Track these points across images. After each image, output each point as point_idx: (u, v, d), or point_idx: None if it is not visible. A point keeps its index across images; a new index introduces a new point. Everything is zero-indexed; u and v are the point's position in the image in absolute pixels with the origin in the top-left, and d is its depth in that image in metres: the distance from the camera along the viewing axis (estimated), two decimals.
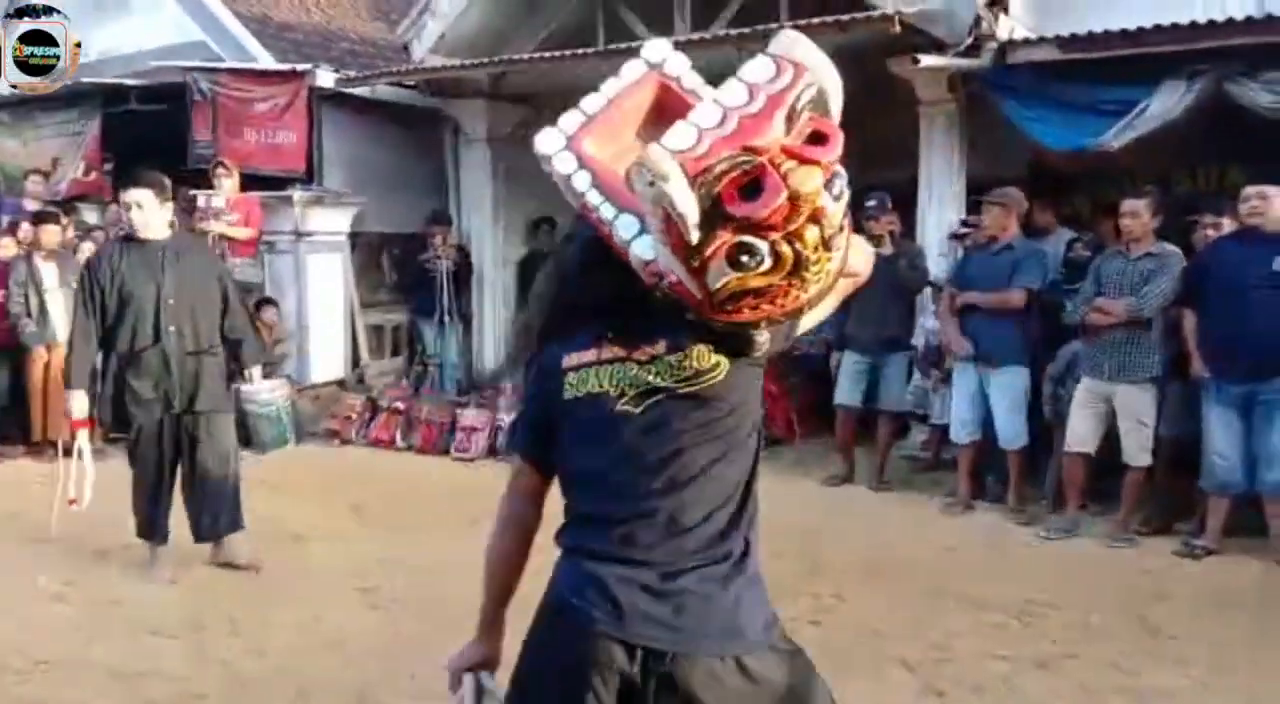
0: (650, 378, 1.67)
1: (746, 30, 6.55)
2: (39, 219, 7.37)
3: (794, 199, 1.38)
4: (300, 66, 8.44)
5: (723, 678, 1.61)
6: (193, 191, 8.05)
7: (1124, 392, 5.17)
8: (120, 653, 3.81)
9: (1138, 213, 5.18)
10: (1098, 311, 5.21)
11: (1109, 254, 5.40)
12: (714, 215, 1.41)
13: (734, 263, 1.42)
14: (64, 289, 7.09)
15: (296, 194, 8.17)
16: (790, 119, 1.46)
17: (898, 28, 5.92)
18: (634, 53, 1.83)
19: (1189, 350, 5.09)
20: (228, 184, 7.86)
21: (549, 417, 1.76)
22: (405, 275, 8.86)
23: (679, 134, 1.44)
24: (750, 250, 1.41)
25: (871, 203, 6.09)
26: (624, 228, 1.63)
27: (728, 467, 1.69)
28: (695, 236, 1.42)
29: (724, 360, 1.65)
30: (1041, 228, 6.41)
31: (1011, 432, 5.62)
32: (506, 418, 7.16)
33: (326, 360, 8.46)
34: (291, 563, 4.90)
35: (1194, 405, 5.12)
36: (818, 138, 1.45)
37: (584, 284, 1.76)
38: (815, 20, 6.15)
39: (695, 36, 7.14)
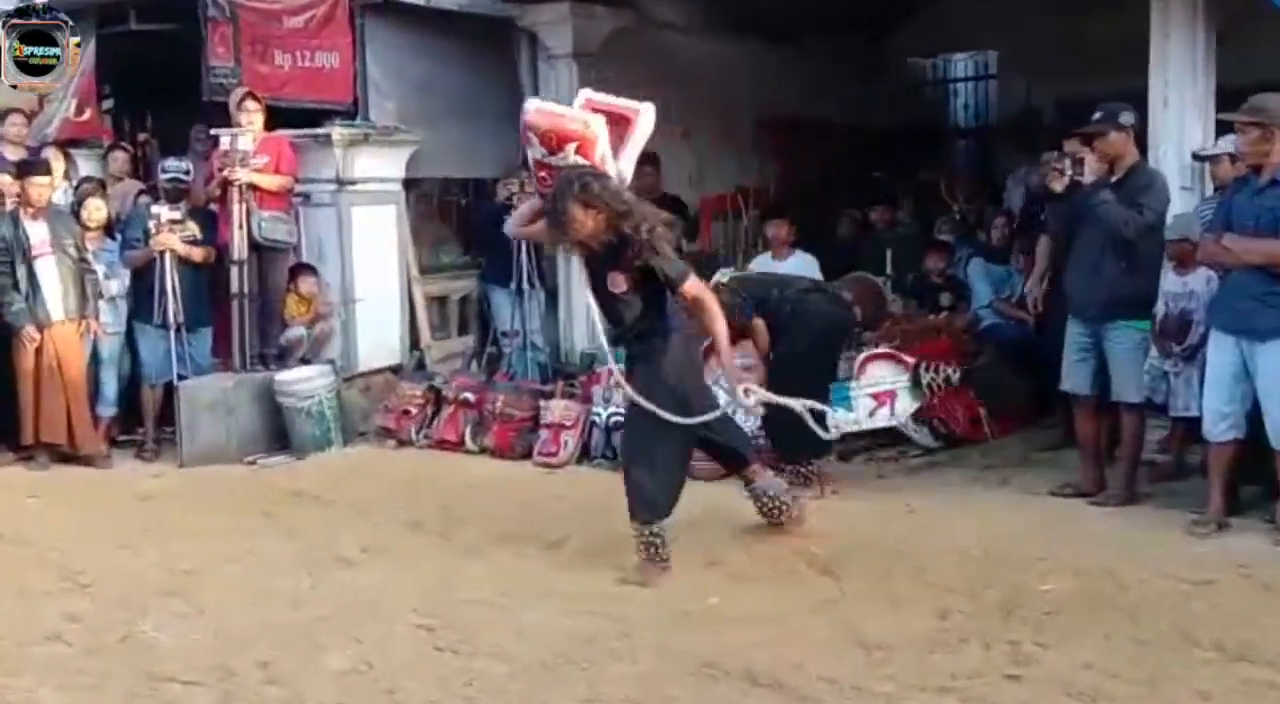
0: None
1: None
2: (23, 170, 7.68)
3: None
4: None
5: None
6: (213, 131, 8.30)
7: None
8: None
9: None
10: None
11: None
12: None
13: None
14: (57, 254, 7.41)
15: (337, 131, 8.33)
16: None
17: None
18: None
19: None
20: (257, 121, 8.03)
21: None
22: (474, 233, 8.95)
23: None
24: None
25: (1096, 115, 6.01)
26: None
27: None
28: None
29: None
30: None
31: None
32: (604, 412, 7.19)
33: (379, 342, 8.65)
34: (339, 594, 5.03)
35: None
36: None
37: None
38: None
39: None
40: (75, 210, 7.86)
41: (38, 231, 7.43)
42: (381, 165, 8.63)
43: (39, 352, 7.36)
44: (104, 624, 4.72)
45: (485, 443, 7.56)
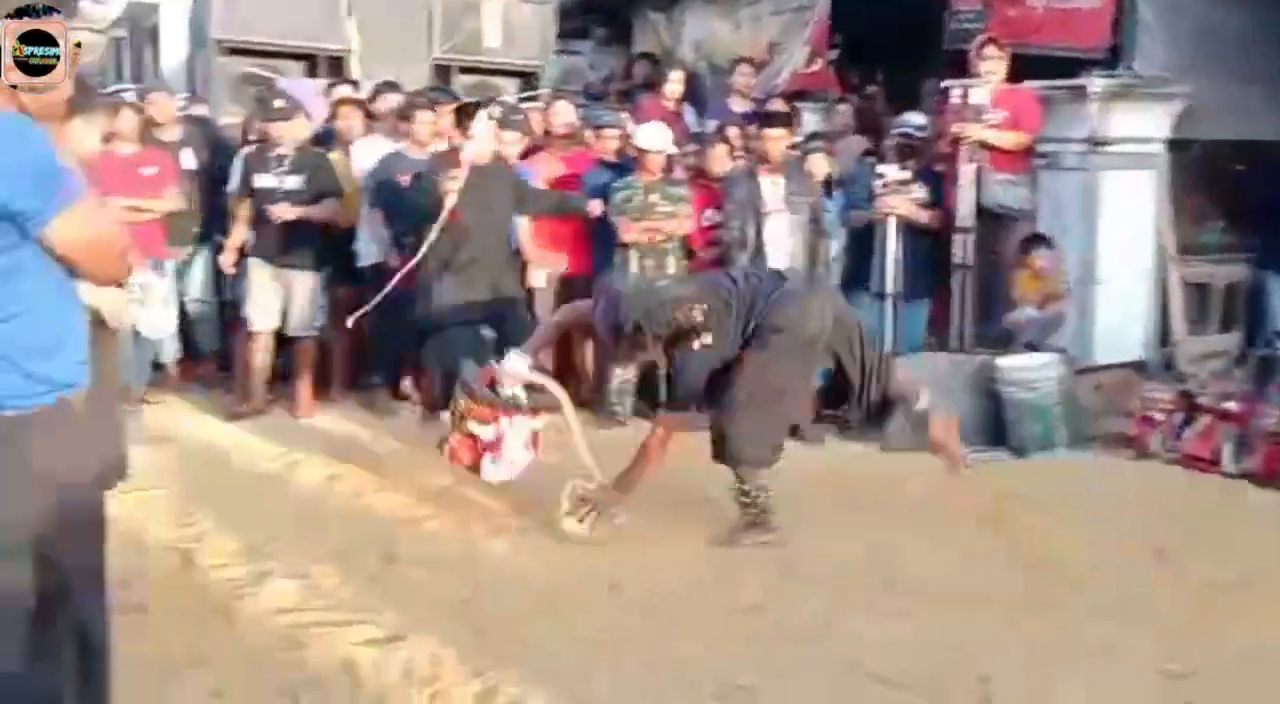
0: None
1: None
2: (765, 121, 8.21)
3: None
4: None
5: None
6: (944, 83, 8.46)
7: None
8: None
9: None
10: None
11: None
12: None
13: None
14: (791, 214, 7.86)
15: (1095, 82, 8.16)
16: None
17: None
18: None
19: None
20: (999, 70, 8.09)
21: None
22: (1249, 208, 8.52)
23: None
24: None
25: None
26: None
27: None
28: None
29: None
30: None
31: None
32: None
33: (1120, 332, 8.48)
34: (1064, 619, 4.95)
35: None
36: None
37: None
38: None
39: None
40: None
41: (773, 188, 7.86)
42: (1143, 123, 8.38)
43: None
44: (796, 606, 5.03)
45: (1248, 466, 7.05)
